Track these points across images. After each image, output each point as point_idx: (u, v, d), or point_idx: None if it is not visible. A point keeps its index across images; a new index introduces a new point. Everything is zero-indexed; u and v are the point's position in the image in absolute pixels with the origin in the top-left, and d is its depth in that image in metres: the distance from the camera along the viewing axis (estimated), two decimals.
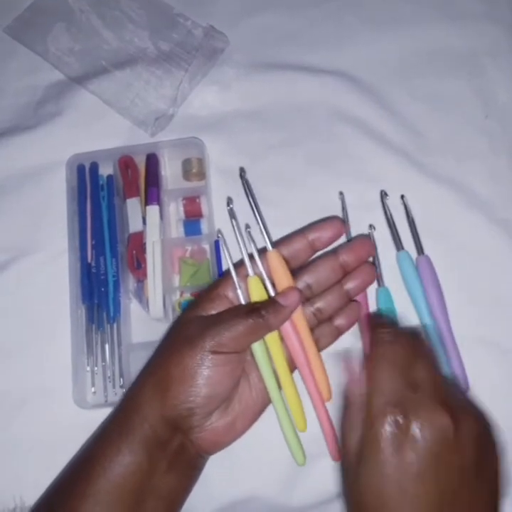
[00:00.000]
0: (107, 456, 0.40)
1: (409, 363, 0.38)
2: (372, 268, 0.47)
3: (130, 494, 0.40)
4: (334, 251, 0.46)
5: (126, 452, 0.40)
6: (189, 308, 0.44)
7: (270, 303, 0.42)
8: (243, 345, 0.41)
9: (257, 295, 0.43)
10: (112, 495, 0.40)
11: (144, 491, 0.40)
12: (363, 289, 0.47)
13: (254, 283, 0.43)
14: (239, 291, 0.43)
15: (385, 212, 0.52)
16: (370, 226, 0.52)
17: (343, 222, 0.45)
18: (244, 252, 0.43)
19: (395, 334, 0.39)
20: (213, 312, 0.43)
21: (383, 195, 0.52)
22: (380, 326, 0.40)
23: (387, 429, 0.35)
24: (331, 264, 0.45)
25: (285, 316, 0.42)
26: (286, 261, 0.44)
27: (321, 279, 0.45)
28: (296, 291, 0.42)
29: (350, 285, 0.46)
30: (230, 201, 0.46)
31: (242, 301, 0.43)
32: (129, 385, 0.49)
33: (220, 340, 0.40)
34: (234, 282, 0.43)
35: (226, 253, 0.44)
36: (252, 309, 0.41)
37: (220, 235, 0.46)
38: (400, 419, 0.35)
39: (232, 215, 0.44)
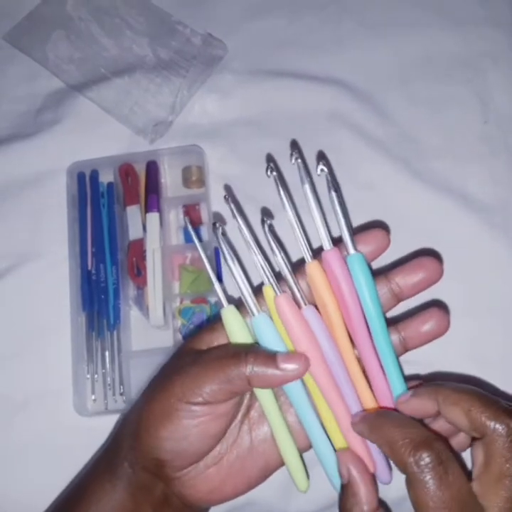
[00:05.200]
0: (93, 491, 0.38)
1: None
2: (443, 310, 0.38)
3: None
4: (384, 272, 0.38)
5: (110, 490, 0.37)
6: (191, 336, 0.39)
7: (263, 357, 0.34)
8: (220, 397, 0.34)
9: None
10: None
11: None
12: (427, 340, 0.38)
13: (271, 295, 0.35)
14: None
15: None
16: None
17: (387, 232, 0.37)
18: (263, 267, 0.35)
19: (444, 462, 0.30)
20: (215, 345, 0.37)
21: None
22: (412, 448, 0.30)
23: None
24: (379, 290, 0.37)
25: (274, 381, 0.34)
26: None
27: None
28: (304, 360, 0.34)
29: (406, 331, 0.38)
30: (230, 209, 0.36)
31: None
32: (129, 394, 0.50)
33: (190, 387, 0.34)
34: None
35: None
36: (238, 355, 0.34)
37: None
38: None
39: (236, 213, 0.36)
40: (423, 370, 0.49)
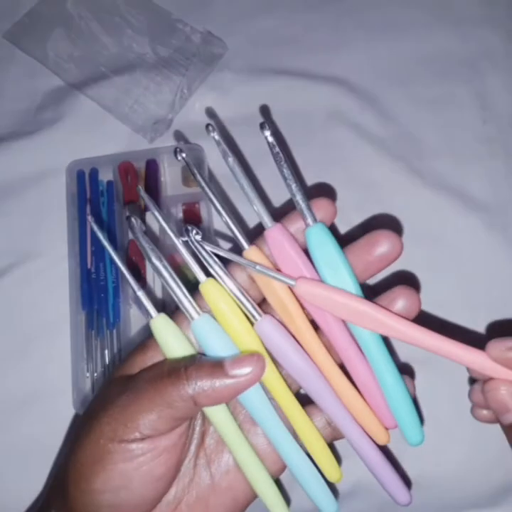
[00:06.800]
0: None
1: None
2: (413, 291, 0.31)
3: None
4: None
5: None
6: (121, 361, 0.33)
7: (208, 367, 0.28)
8: (161, 427, 0.28)
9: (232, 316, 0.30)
10: None
11: None
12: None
13: (212, 290, 0.30)
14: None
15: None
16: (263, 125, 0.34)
17: (333, 200, 0.33)
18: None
19: None
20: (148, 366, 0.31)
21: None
22: None
23: None
24: None
25: (226, 394, 0.28)
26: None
27: None
28: (257, 359, 0.28)
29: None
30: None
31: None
32: None
33: (121, 422, 0.27)
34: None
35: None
36: (176, 371, 0.28)
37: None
38: None
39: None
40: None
